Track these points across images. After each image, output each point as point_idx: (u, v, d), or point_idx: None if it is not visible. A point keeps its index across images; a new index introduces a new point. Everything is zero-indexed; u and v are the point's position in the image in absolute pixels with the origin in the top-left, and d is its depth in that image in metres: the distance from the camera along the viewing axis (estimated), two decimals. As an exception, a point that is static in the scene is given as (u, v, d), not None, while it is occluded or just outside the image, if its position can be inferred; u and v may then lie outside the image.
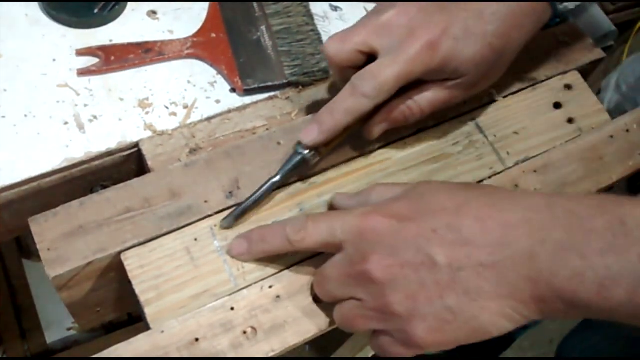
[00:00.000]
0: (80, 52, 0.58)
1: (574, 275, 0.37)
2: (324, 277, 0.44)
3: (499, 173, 0.56)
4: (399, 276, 0.40)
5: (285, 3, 0.63)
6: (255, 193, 0.49)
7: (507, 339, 1.25)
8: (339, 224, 0.43)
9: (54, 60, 0.57)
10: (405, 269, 0.40)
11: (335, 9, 0.65)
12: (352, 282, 0.42)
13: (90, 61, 0.57)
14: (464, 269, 0.39)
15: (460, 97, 0.52)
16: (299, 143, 0.50)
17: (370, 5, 0.66)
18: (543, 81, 0.61)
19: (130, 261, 0.47)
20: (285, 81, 0.59)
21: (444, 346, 0.41)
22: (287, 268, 0.48)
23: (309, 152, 0.50)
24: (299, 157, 0.50)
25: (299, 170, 0.51)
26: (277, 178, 0.50)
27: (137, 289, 0.46)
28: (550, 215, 0.39)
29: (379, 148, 0.55)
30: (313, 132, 0.49)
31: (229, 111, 0.57)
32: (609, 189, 0.58)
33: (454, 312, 0.40)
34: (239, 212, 0.49)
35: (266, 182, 0.50)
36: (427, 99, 0.50)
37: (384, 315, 0.41)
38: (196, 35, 0.60)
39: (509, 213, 0.40)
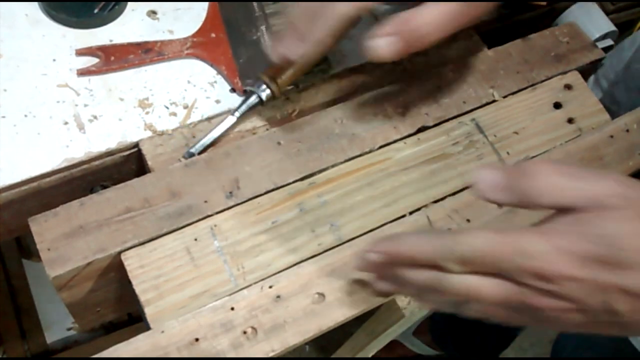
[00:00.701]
0: (80, 52, 0.58)
1: None
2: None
3: (499, 173, 0.55)
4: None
5: (285, 3, 0.63)
6: (213, 130, 0.54)
7: (507, 337, 1.25)
8: None
9: (54, 60, 0.57)
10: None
11: (335, 9, 0.65)
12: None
13: (90, 61, 0.57)
14: None
15: (473, 13, 0.49)
16: (258, 78, 0.54)
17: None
18: (543, 81, 0.61)
19: (130, 261, 0.47)
20: (285, 81, 0.59)
21: None
22: (287, 268, 0.48)
23: (264, 90, 0.53)
24: (255, 96, 0.54)
25: (256, 109, 0.55)
26: (235, 116, 0.54)
27: (137, 289, 0.46)
28: None
29: (379, 148, 0.55)
30: (293, 44, 0.47)
31: (229, 111, 0.57)
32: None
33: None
34: (200, 149, 0.53)
35: (224, 119, 0.54)
36: (441, 10, 0.47)
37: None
38: (196, 35, 0.60)
39: None
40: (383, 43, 0.46)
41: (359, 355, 0.87)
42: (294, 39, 0.48)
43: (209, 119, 0.57)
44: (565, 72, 0.62)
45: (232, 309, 0.46)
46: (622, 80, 0.71)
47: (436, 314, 1.32)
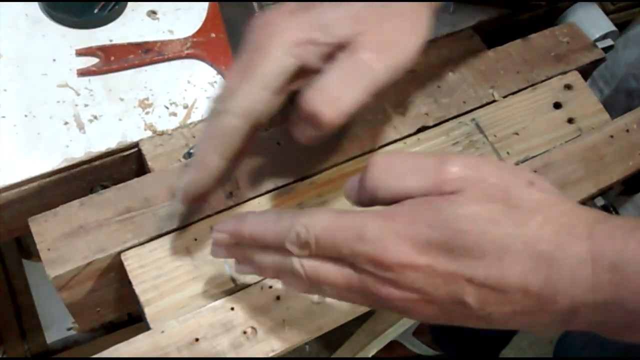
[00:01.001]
0: (80, 52, 0.58)
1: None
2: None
3: (499, 173, 0.55)
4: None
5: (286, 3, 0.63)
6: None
7: (506, 336, 1.25)
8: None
9: (54, 60, 0.57)
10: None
11: (335, 9, 0.65)
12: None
13: (90, 61, 0.57)
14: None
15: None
16: None
17: (370, 5, 0.66)
18: (543, 81, 0.61)
19: (130, 261, 0.47)
20: (285, 81, 0.59)
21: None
22: (287, 268, 0.48)
23: None
24: None
25: None
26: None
27: (137, 289, 0.46)
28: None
29: (379, 148, 0.55)
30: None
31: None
32: (609, 189, 0.58)
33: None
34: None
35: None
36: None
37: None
38: (196, 35, 0.60)
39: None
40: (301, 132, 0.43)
41: (359, 355, 0.87)
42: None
43: (209, 119, 0.57)
44: (565, 72, 0.62)
45: (232, 309, 0.46)
46: (612, 82, 0.71)
47: None
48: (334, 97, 0.40)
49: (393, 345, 1.34)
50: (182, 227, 0.49)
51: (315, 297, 0.47)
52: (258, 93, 0.41)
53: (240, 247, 0.40)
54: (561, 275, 0.34)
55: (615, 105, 0.66)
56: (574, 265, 0.34)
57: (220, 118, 0.41)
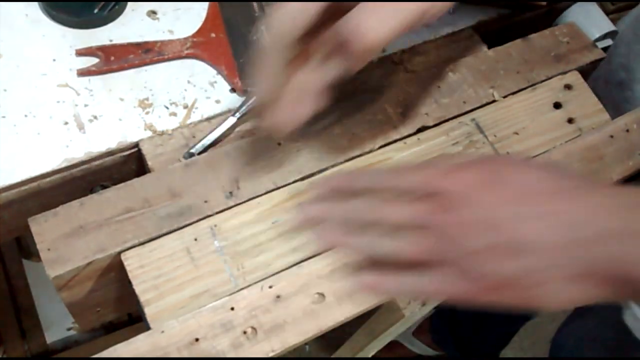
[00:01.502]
0: (80, 52, 0.58)
1: None
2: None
3: (499, 173, 0.55)
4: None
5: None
6: (213, 130, 0.54)
7: (506, 335, 1.25)
8: None
9: (54, 60, 0.57)
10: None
11: (335, 9, 0.65)
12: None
13: (90, 61, 0.57)
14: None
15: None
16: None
17: (370, 5, 0.66)
18: (543, 81, 0.61)
19: (130, 261, 0.47)
20: (285, 81, 0.59)
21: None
22: (287, 268, 0.48)
23: None
24: (255, 97, 0.54)
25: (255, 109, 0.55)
26: (236, 116, 0.54)
27: (137, 289, 0.46)
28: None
29: (379, 148, 0.55)
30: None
31: (229, 111, 0.57)
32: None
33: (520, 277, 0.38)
34: (200, 149, 0.53)
35: (224, 120, 0.54)
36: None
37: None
38: (196, 35, 0.60)
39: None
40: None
41: (359, 355, 0.87)
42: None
43: (209, 119, 0.57)
44: (565, 72, 0.62)
45: (232, 309, 0.46)
46: (603, 74, 0.71)
47: (436, 314, 1.32)
48: (365, 27, 0.42)
49: (393, 345, 1.34)
50: (182, 227, 0.49)
51: (316, 297, 0.47)
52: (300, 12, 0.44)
53: (330, 206, 0.43)
54: None
55: (606, 96, 0.66)
56: None
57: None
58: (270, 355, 0.45)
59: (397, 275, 0.42)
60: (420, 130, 0.57)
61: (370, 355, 0.90)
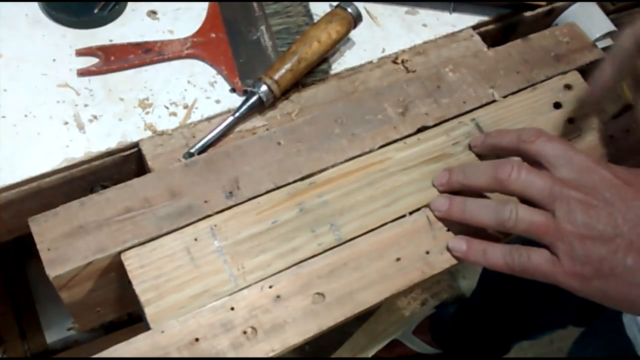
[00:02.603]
0: (80, 52, 0.58)
1: None
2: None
3: (499, 173, 0.55)
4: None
5: (285, 3, 0.63)
6: (213, 130, 0.54)
7: (505, 342, 1.25)
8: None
9: (54, 60, 0.57)
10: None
11: (335, 9, 0.65)
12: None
13: (90, 61, 0.57)
14: None
15: None
16: (259, 79, 0.55)
17: (369, 6, 0.66)
18: (543, 81, 0.61)
19: (130, 261, 0.47)
20: (285, 81, 0.59)
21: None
22: (287, 268, 0.48)
23: (264, 90, 0.55)
24: (255, 97, 0.55)
25: (256, 109, 0.56)
26: (235, 116, 0.55)
27: (137, 289, 0.46)
28: None
29: (379, 148, 0.55)
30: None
31: (229, 111, 0.57)
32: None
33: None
34: (199, 149, 0.53)
35: (224, 120, 0.54)
36: None
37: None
38: (196, 35, 0.60)
39: None
40: None
41: (359, 355, 0.87)
42: None
43: (209, 119, 0.57)
44: (565, 72, 0.62)
45: (232, 309, 0.46)
46: None
47: (437, 313, 1.32)
48: None
49: (393, 343, 1.34)
50: (182, 227, 0.49)
51: (316, 297, 0.47)
52: None
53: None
54: None
55: None
56: None
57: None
58: (270, 355, 0.45)
59: (504, 246, 0.47)
60: (420, 130, 0.57)
61: (370, 355, 0.90)
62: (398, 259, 0.50)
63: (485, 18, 0.68)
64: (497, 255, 0.47)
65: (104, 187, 0.54)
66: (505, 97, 0.60)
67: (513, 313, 1.11)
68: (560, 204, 0.45)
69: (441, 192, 0.52)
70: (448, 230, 0.51)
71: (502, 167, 0.47)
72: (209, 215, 0.50)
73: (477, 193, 0.51)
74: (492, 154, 0.53)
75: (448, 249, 0.49)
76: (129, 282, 0.46)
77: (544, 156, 0.47)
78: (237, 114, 0.55)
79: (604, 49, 0.66)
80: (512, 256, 0.46)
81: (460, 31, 0.66)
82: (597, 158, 0.47)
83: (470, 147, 0.55)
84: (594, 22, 0.69)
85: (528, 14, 0.70)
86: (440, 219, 0.51)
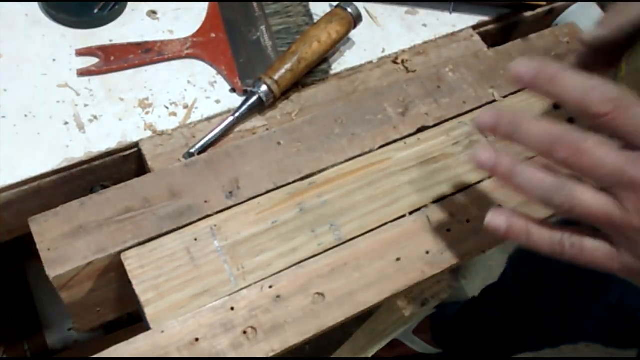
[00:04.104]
0: (80, 52, 0.58)
1: None
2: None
3: (499, 173, 0.55)
4: None
5: (285, 3, 0.63)
6: (213, 130, 0.54)
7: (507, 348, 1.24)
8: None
9: (54, 60, 0.57)
10: None
11: (335, 9, 0.65)
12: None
13: (90, 61, 0.57)
14: None
15: None
16: (259, 79, 0.56)
17: (369, 6, 0.66)
18: (543, 81, 0.61)
19: (130, 261, 0.47)
20: (285, 81, 0.59)
21: None
22: (287, 268, 0.48)
23: (264, 90, 0.55)
24: (255, 97, 0.55)
25: (256, 109, 0.57)
26: (235, 116, 0.55)
27: (137, 289, 0.46)
28: None
29: (379, 148, 0.55)
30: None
31: (229, 111, 0.57)
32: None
33: None
34: (199, 149, 0.53)
35: (224, 120, 0.55)
36: None
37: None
38: (196, 35, 0.60)
39: None
40: None
41: (359, 355, 0.87)
42: None
43: (209, 119, 0.57)
44: (565, 72, 0.62)
45: (232, 309, 0.46)
46: None
47: (437, 313, 1.32)
48: None
49: (393, 343, 1.34)
50: (182, 227, 0.49)
51: (316, 297, 0.47)
52: None
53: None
54: None
55: None
56: None
57: None
58: (270, 355, 0.45)
59: (553, 232, 0.41)
60: (420, 130, 0.57)
61: (370, 355, 0.90)
62: (398, 259, 0.50)
63: (485, 18, 0.68)
64: (544, 238, 0.41)
65: (104, 187, 0.54)
66: (505, 97, 0.60)
67: (524, 323, 1.10)
68: (630, 194, 0.37)
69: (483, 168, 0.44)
70: (448, 230, 0.51)
71: (566, 141, 0.38)
72: (209, 215, 0.50)
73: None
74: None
75: (485, 225, 0.43)
76: (129, 282, 0.46)
77: (623, 133, 0.37)
78: (237, 114, 0.55)
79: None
80: (561, 244, 0.41)
81: (460, 31, 0.66)
82: None
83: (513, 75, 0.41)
84: (594, 22, 0.69)
85: (528, 14, 0.70)
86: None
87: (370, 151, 0.55)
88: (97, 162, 0.54)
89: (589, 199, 0.38)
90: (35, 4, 0.60)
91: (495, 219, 0.43)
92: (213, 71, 0.59)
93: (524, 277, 1.06)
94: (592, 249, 0.40)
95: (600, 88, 0.37)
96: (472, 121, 0.45)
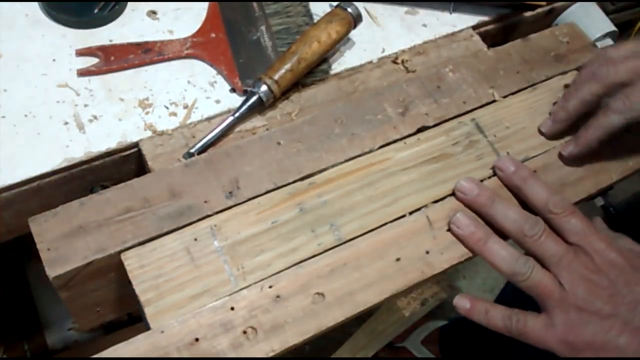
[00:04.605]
0: (80, 52, 0.58)
1: None
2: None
3: (499, 173, 0.56)
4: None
5: (285, 3, 0.63)
6: (213, 130, 0.54)
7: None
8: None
9: (54, 60, 0.57)
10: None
11: (335, 9, 0.65)
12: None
13: (90, 61, 0.57)
14: None
15: None
16: (259, 79, 0.56)
17: (369, 6, 0.66)
18: (543, 81, 0.61)
19: (130, 261, 0.47)
20: (285, 81, 0.59)
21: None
22: (287, 268, 0.48)
23: (264, 91, 0.55)
24: (255, 97, 0.55)
25: (256, 109, 0.57)
26: (235, 116, 0.55)
27: (137, 289, 0.46)
28: None
29: (379, 148, 0.55)
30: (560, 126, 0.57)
31: (229, 111, 0.57)
32: (609, 189, 0.58)
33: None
34: (199, 149, 0.53)
35: (224, 120, 0.55)
36: None
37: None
38: (196, 35, 0.60)
39: None
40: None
41: (359, 355, 0.87)
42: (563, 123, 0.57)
43: (209, 119, 0.57)
44: (565, 72, 0.62)
45: (232, 309, 0.46)
46: None
47: (447, 325, 1.31)
48: None
49: (400, 351, 1.34)
50: (182, 227, 0.49)
51: (316, 297, 0.47)
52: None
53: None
54: None
55: None
56: None
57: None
58: (270, 355, 0.45)
59: (504, 310, 0.50)
60: (420, 130, 0.57)
61: (370, 355, 0.90)
62: (398, 259, 0.50)
63: (485, 18, 0.68)
64: (497, 317, 0.50)
65: (104, 187, 0.54)
66: (505, 97, 0.60)
67: None
68: (567, 275, 0.48)
69: (461, 199, 0.53)
70: (448, 230, 0.51)
71: (531, 225, 0.50)
72: (209, 215, 0.50)
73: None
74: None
75: (453, 305, 0.52)
76: (129, 282, 0.46)
77: (565, 230, 0.50)
78: (237, 114, 0.55)
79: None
80: (510, 320, 0.49)
81: (460, 31, 0.66)
82: (610, 240, 0.50)
83: (494, 171, 0.55)
84: (594, 22, 0.69)
85: (528, 14, 0.70)
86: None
87: (370, 151, 0.55)
88: (97, 162, 0.54)
89: (540, 275, 0.49)
90: (35, 4, 0.60)
91: (460, 300, 0.52)
92: (213, 71, 0.59)
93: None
94: (534, 324, 0.49)
95: (557, 197, 0.51)
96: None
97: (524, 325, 0.49)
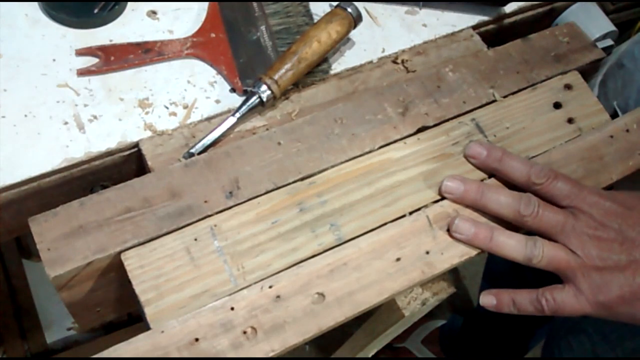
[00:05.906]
0: (80, 52, 0.58)
1: None
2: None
3: (499, 173, 0.56)
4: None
5: (285, 3, 0.63)
6: (213, 130, 0.54)
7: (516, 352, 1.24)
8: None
9: (54, 60, 0.57)
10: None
11: (335, 9, 0.65)
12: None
13: (90, 61, 0.57)
14: None
15: None
16: (259, 79, 0.56)
17: (369, 6, 0.66)
18: (543, 81, 0.61)
19: (130, 261, 0.47)
20: (285, 81, 0.59)
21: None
22: (287, 268, 0.48)
23: (264, 91, 0.55)
24: (255, 97, 0.55)
25: (256, 109, 0.56)
26: (235, 116, 0.55)
27: (137, 289, 0.46)
28: None
29: (379, 148, 0.55)
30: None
31: (229, 111, 0.57)
32: (609, 189, 0.58)
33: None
34: (199, 149, 0.53)
35: (224, 120, 0.55)
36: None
37: None
38: (196, 35, 0.60)
39: None
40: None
41: (359, 355, 0.87)
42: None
43: (209, 119, 0.57)
44: (565, 72, 0.62)
45: (232, 309, 0.46)
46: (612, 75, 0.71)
47: (447, 324, 1.31)
48: None
49: (400, 351, 1.34)
50: (182, 227, 0.49)
51: (316, 297, 0.47)
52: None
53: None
54: None
55: None
56: None
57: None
58: (270, 355, 0.45)
59: (530, 293, 0.50)
60: (420, 130, 0.57)
61: (370, 355, 0.90)
62: (398, 259, 0.50)
63: (485, 18, 0.68)
64: (525, 303, 0.50)
65: (104, 187, 0.54)
66: (505, 97, 0.60)
67: (528, 331, 1.10)
68: (575, 241, 0.48)
69: (451, 199, 0.52)
70: (448, 230, 0.51)
71: (526, 204, 0.49)
72: (209, 215, 0.50)
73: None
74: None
75: (479, 304, 0.52)
76: (129, 282, 0.46)
77: (555, 196, 0.50)
78: (237, 114, 0.55)
79: (603, 49, 0.66)
80: (540, 302, 0.49)
81: (460, 31, 0.66)
82: (600, 190, 0.50)
83: (468, 160, 0.55)
84: (594, 22, 0.69)
85: (528, 14, 0.70)
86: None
87: (370, 151, 0.55)
88: (97, 162, 0.54)
89: (552, 250, 0.49)
90: (35, 4, 0.60)
91: (486, 299, 0.52)
92: (213, 71, 0.59)
93: (525, 284, 1.06)
94: (563, 297, 0.48)
95: (536, 167, 0.51)
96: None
97: (554, 302, 0.48)
